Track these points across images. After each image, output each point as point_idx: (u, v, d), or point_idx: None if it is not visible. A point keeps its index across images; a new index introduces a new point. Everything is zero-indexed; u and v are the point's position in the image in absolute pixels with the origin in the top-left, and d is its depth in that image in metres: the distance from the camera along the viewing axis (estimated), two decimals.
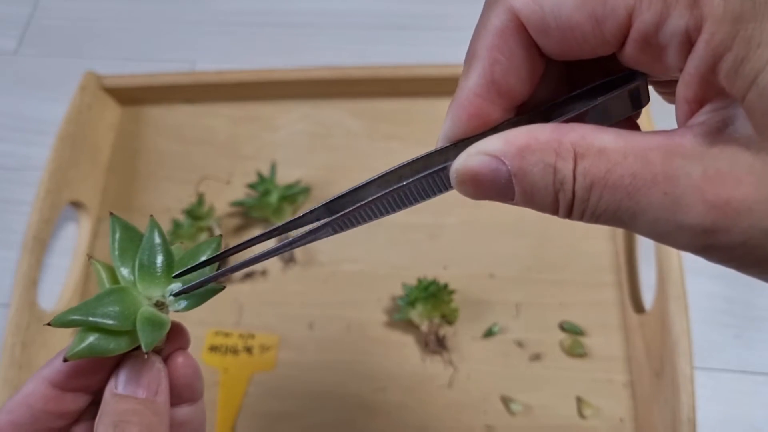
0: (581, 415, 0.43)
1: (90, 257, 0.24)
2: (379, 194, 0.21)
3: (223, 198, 0.52)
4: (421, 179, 0.20)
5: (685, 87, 0.17)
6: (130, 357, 0.23)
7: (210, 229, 0.50)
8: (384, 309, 0.48)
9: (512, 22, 0.18)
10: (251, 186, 0.51)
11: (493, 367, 0.45)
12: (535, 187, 0.18)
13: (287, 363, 0.47)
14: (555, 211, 0.18)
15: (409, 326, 0.46)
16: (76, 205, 0.52)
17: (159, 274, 0.23)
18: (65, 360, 0.21)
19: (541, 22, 0.17)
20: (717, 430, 0.44)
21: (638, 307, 0.45)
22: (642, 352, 0.43)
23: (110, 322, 0.21)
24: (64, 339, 0.48)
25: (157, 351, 0.24)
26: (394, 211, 0.21)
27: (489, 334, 0.46)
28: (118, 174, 0.55)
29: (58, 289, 0.50)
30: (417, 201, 0.21)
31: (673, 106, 0.18)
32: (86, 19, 0.66)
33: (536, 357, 0.45)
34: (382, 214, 0.21)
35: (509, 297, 0.47)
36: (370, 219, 0.21)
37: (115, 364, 0.23)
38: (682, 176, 0.16)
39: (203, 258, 0.23)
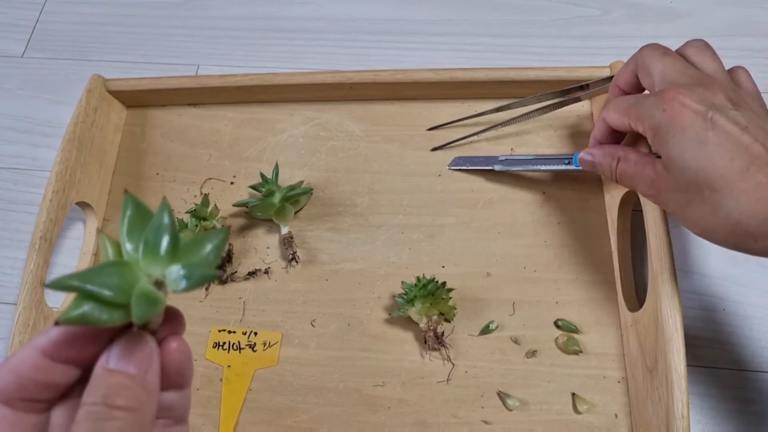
0: (576, 410, 0.44)
1: (99, 230, 0.24)
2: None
3: (226, 199, 0.54)
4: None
5: None
6: (124, 334, 0.23)
7: (214, 230, 0.52)
8: (384, 307, 0.49)
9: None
10: (254, 187, 0.52)
11: (490, 363, 0.46)
12: (602, 169, 0.41)
13: (289, 359, 0.48)
14: (612, 180, 0.41)
15: (408, 323, 0.47)
16: (83, 205, 0.53)
17: (162, 253, 0.23)
18: (56, 323, 0.21)
19: None
20: (710, 426, 0.44)
21: (632, 305, 0.46)
22: (636, 349, 0.44)
23: (106, 292, 0.21)
24: None
25: (152, 332, 0.24)
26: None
27: (486, 331, 0.47)
28: (123, 175, 0.56)
29: None
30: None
31: None
32: (92, 23, 0.67)
33: (532, 354, 0.46)
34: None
35: (506, 295, 0.48)
36: None
37: (108, 340, 0.23)
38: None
39: (209, 246, 0.24)
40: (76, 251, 0.53)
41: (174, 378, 0.24)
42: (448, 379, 0.46)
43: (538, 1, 0.65)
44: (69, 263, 0.53)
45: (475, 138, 0.55)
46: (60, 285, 0.21)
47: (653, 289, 0.42)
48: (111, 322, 0.21)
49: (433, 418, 0.45)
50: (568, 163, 0.47)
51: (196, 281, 0.23)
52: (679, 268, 0.42)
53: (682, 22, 0.62)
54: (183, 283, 0.22)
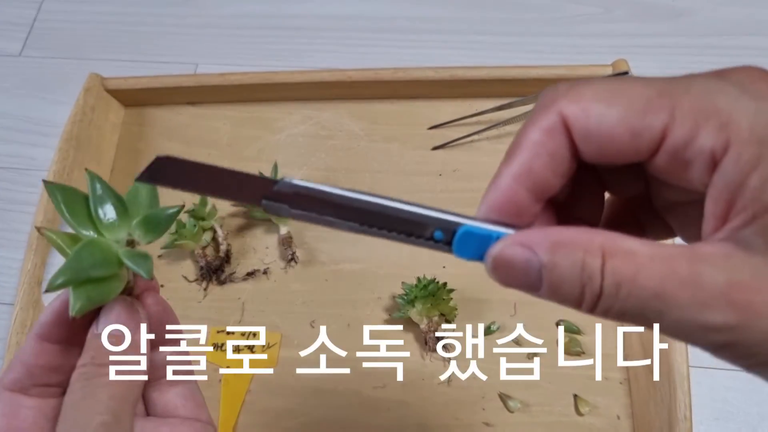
0: (578, 412, 0.44)
1: (39, 228, 0.25)
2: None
3: None
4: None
5: (713, 203, 0.18)
6: (108, 302, 0.24)
7: (213, 230, 0.51)
8: (384, 307, 0.48)
9: (560, 124, 0.20)
10: None
11: (491, 365, 0.46)
12: (563, 280, 0.19)
13: (289, 360, 0.47)
14: (579, 305, 0.19)
15: (409, 324, 0.47)
16: None
17: (117, 218, 0.24)
18: (73, 319, 0.22)
19: (585, 128, 0.19)
20: (713, 428, 0.44)
21: None
22: (638, 350, 0.44)
23: (98, 271, 0.22)
24: None
25: (128, 293, 0.25)
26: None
27: (487, 332, 0.47)
28: (121, 175, 0.56)
29: None
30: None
31: None
32: (90, 22, 0.67)
33: (534, 355, 0.46)
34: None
35: (507, 296, 0.48)
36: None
37: (96, 313, 0.24)
38: (708, 282, 0.17)
39: (143, 191, 0.25)
40: None
41: (158, 330, 0.26)
42: (449, 381, 0.46)
43: None
44: None
45: (476, 137, 0.54)
46: (56, 285, 0.21)
47: None
48: (114, 293, 0.23)
49: (433, 420, 0.45)
50: (442, 241, 0.22)
51: (161, 228, 0.24)
52: None
53: (685, 21, 0.62)
54: (150, 234, 0.24)
